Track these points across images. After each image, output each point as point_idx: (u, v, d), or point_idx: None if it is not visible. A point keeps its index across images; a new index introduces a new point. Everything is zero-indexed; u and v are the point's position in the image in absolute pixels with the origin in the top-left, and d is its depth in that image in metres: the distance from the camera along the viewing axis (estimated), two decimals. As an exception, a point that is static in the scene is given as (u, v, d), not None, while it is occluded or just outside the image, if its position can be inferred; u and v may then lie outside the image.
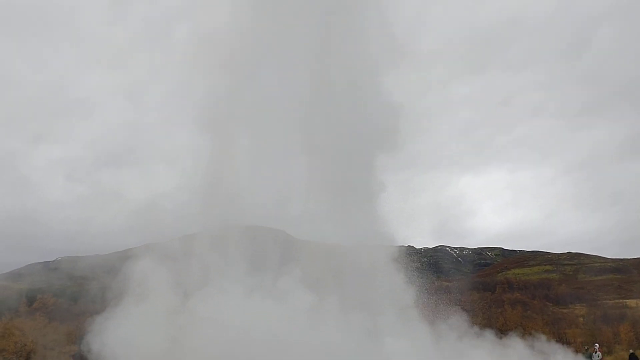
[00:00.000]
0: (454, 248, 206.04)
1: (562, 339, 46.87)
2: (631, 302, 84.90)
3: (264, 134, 27.09)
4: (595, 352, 29.80)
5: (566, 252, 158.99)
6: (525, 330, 40.43)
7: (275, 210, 27.87)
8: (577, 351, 32.78)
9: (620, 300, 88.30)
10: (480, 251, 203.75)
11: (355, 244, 25.09)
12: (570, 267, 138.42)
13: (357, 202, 26.28)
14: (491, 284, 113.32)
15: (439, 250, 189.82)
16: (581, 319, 72.78)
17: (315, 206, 26.73)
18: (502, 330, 39.28)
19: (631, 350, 34.37)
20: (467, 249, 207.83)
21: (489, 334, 27.00)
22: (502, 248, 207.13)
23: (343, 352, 19.58)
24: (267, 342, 19.15)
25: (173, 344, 20.34)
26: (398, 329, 22.36)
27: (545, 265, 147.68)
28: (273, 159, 27.62)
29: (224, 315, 19.93)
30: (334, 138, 25.87)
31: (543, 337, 29.27)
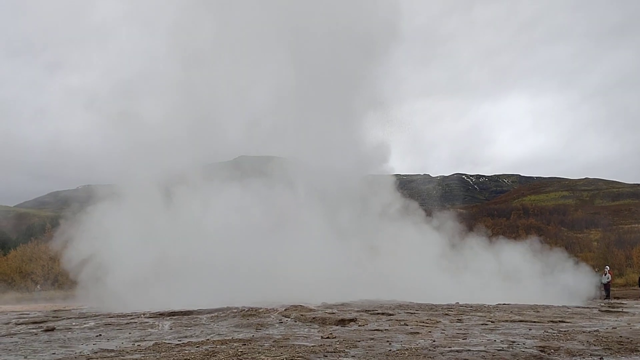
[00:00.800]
0: (471, 176, 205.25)
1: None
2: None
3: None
4: (605, 274, 30.24)
5: (584, 177, 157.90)
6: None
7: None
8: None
9: (636, 225, 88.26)
10: (496, 178, 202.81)
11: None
12: (587, 193, 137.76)
13: (331, 120, 26.36)
14: (506, 210, 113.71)
15: (455, 178, 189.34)
16: (595, 243, 73.38)
17: (285, 122, 27.06)
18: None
19: (642, 272, 34.79)
20: (484, 176, 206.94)
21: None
22: (519, 175, 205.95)
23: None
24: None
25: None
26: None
27: (562, 191, 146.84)
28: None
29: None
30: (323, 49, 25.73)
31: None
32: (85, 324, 15.39)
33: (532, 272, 26.94)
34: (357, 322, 14.19)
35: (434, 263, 26.52)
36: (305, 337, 11.48)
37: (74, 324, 15.49)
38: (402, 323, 13.74)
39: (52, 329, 14.16)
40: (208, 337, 12.25)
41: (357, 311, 16.64)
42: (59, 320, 16.69)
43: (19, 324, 15.93)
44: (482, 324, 13.34)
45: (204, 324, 14.68)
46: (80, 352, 10.21)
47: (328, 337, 11.25)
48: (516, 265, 27.16)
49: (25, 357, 9.84)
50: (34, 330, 14.28)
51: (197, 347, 10.39)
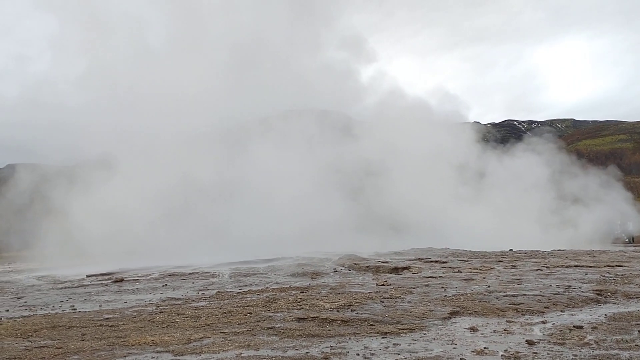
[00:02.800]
0: (522, 122, 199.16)
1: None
2: None
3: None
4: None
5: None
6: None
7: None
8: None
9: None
10: (550, 123, 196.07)
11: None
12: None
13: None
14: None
15: (506, 124, 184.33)
16: (655, 187, 70.59)
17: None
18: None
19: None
20: (536, 122, 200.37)
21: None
22: (574, 119, 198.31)
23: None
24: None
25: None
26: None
27: (618, 134, 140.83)
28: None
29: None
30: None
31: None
32: (150, 275, 16.22)
33: (587, 217, 26.49)
34: (410, 270, 14.42)
35: (486, 210, 26.44)
36: (361, 285, 11.79)
37: (140, 275, 16.34)
38: (455, 270, 13.88)
39: (121, 280, 15.02)
40: (267, 285, 12.75)
41: (410, 260, 16.86)
42: (124, 272, 17.61)
43: (90, 276, 16.94)
44: (537, 270, 13.33)
45: (261, 273, 15.23)
46: (150, 301, 10.85)
47: (383, 284, 11.52)
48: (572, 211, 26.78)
49: (100, 306, 10.54)
50: (104, 282, 15.19)
51: (257, 294, 10.87)
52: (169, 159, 26.46)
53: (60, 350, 6.33)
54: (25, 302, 11.77)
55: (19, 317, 9.27)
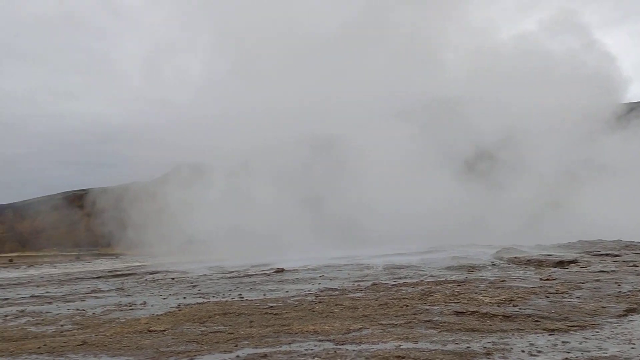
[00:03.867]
0: None
1: None
2: None
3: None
4: None
5: None
6: None
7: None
8: None
9: None
10: None
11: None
12: None
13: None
14: None
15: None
16: None
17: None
18: None
19: None
20: None
21: None
22: None
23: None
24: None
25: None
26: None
27: None
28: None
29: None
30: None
31: None
32: (307, 266, 16.92)
33: None
34: (577, 263, 13.39)
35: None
36: (522, 279, 11.20)
37: (298, 266, 17.12)
38: (630, 264, 12.60)
39: (282, 271, 15.87)
40: (421, 278, 12.63)
41: (577, 253, 15.66)
42: (283, 263, 18.56)
43: (253, 266, 18.16)
44: None
45: (415, 266, 15.13)
46: (309, 291, 11.31)
47: (547, 279, 10.82)
48: None
49: (264, 295, 11.22)
50: (267, 272, 16.17)
51: (412, 287, 10.81)
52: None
53: (232, 335, 6.85)
54: (199, 290, 12.91)
55: (194, 304, 10.20)
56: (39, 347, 6.68)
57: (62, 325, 8.43)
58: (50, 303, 11.81)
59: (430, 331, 6.60)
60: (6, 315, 9.90)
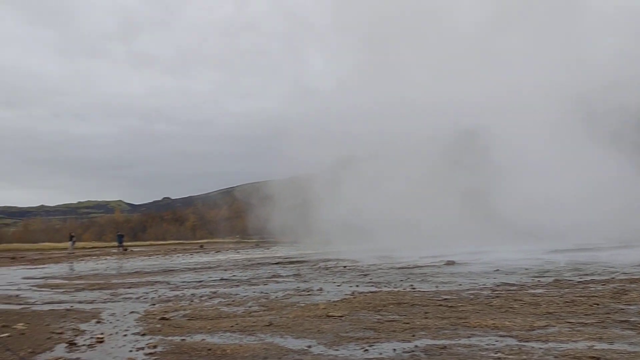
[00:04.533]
0: None
1: None
2: None
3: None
4: None
5: None
6: None
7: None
8: None
9: None
10: None
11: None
12: None
13: None
14: None
15: None
16: None
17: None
18: None
19: None
20: None
21: None
22: None
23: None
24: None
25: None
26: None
27: None
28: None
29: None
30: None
31: None
32: (479, 259, 16.33)
33: None
34: None
35: None
36: None
37: (469, 259, 16.61)
38: None
39: (453, 263, 15.53)
40: (612, 275, 11.49)
41: None
42: (453, 256, 18.15)
43: (422, 257, 18.02)
44: None
45: (603, 262, 13.85)
46: (484, 285, 10.89)
47: None
48: None
49: (436, 287, 11.05)
50: (437, 264, 15.93)
51: (602, 285, 9.88)
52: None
53: (408, 325, 6.84)
54: (371, 279, 13.13)
55: (368, 292, 10.39)
56: (231, 326, 7.31)
57: (250, 307, 9.14)
58: (237, 286, 12.88)
59: (627, 332, 5.97)
60: (202, 296, 10.98)
